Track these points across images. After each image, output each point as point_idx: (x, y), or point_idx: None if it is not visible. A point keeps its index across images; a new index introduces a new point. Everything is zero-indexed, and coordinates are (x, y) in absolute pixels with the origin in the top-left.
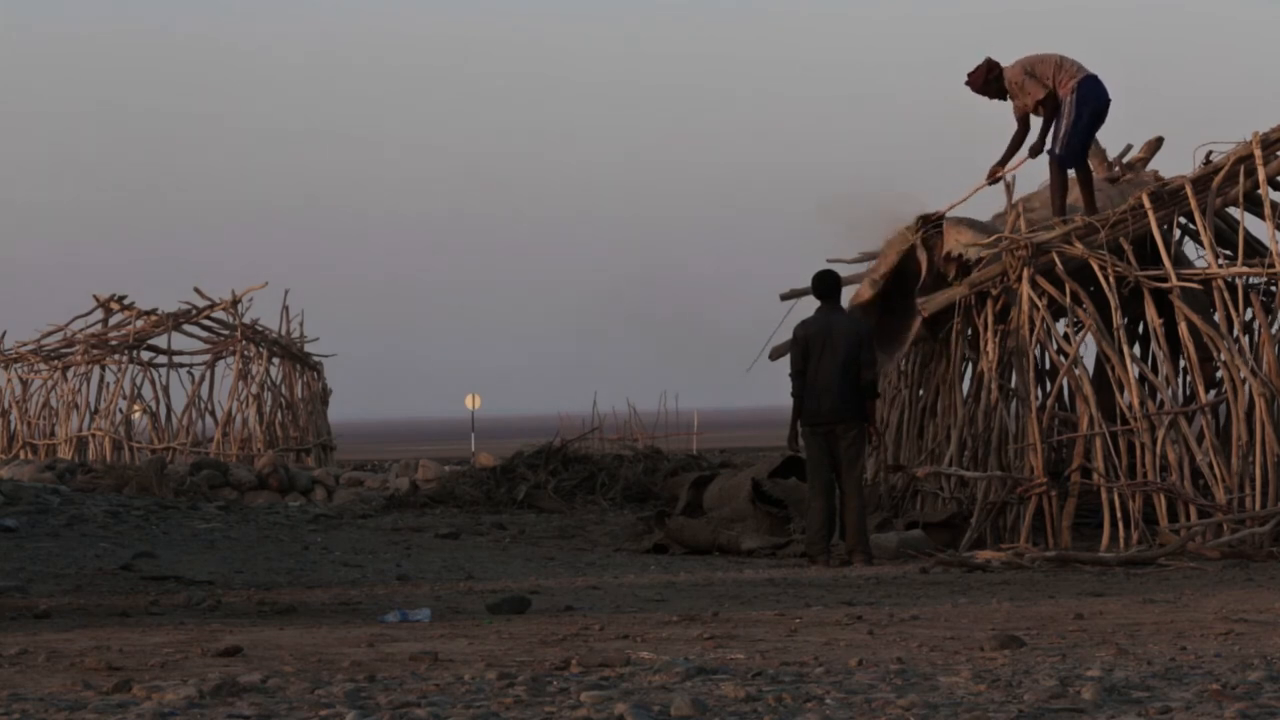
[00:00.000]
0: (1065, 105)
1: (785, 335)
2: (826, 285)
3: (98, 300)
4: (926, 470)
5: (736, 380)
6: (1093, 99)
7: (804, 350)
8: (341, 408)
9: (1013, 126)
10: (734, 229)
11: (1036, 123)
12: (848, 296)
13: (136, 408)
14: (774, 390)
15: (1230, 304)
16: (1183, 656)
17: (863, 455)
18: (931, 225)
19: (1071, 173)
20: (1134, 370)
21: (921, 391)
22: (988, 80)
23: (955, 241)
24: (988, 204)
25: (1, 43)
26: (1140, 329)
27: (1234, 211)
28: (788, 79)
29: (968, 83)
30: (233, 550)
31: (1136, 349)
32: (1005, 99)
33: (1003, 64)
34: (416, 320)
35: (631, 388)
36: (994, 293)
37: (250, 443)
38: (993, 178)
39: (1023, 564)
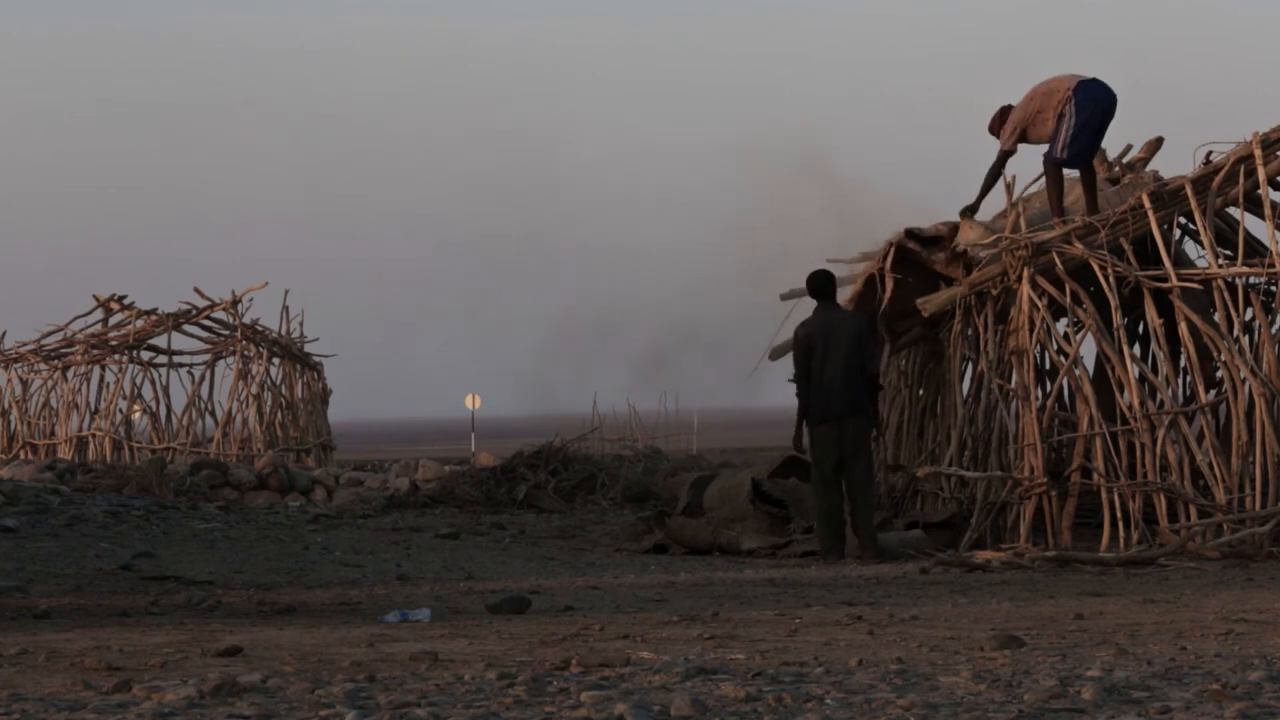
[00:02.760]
0: (1066, 110)
1: (785, 336)
2: (820, 284)
3: (98, 300)
4: (926, 470)
5: (736, 380)
6: (1090, 101)
7: (806, 350)
8: (341, 408)
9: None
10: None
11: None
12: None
13: (136, 408)
14: (774, 390)
15: (1230, 304)
16: (1183, 656)
17: (868, 450)
18: (912, 239)
19: (1073, 173)
20: (1134, 370)
21: (921, 391)
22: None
23: (964, 237)
24: (988, 205)
25: (1, 41)
26: (1140, 329)
27: (1234, 211)
28: (789, 76)
29: (990, 130)
30: (233, 550)
31: (1136, 349)
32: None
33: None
34: (416, 320)
35: (632, 388)
36: (994, 293)
37: (250, 443)
38: (970, 212)
39: (1023, 564)
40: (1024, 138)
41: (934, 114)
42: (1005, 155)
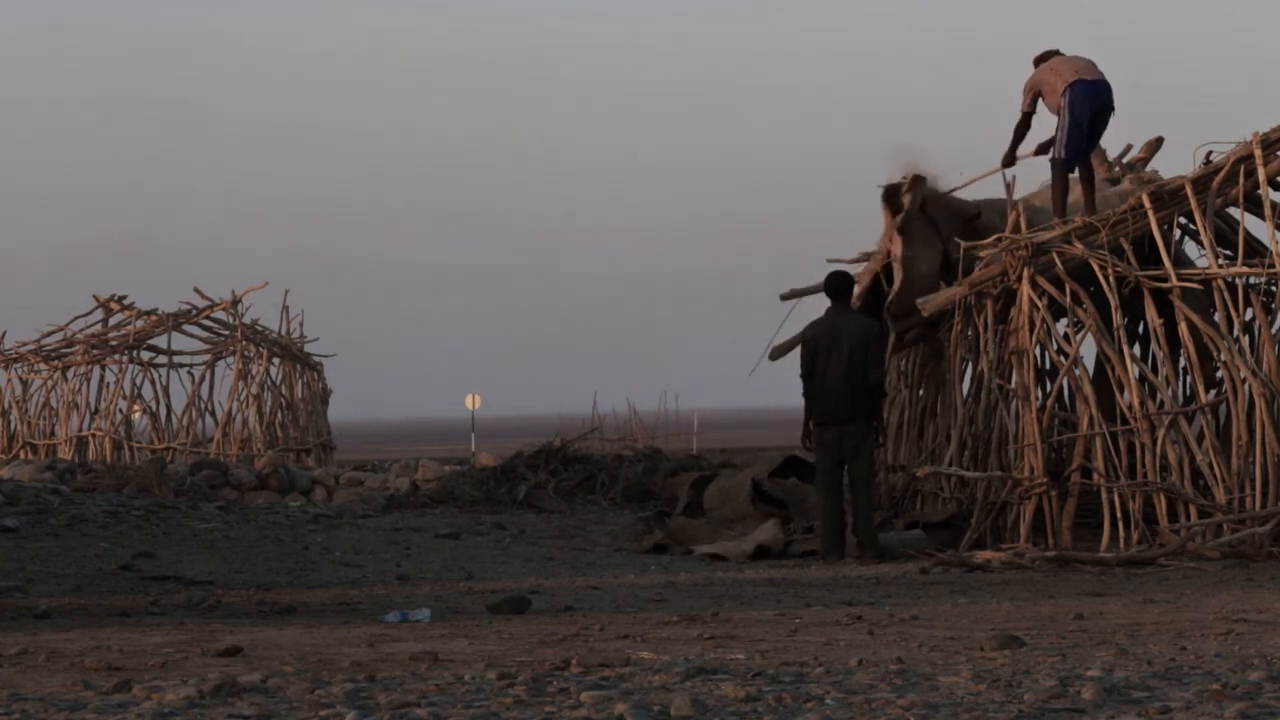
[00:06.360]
0: (1061, 111)
1: (785, 336)
2: (837, 285)
3: (98, 300)
4: (926, 470)
5: (736, 379)
6: (1079, 105)
7: (811, 351)
8: (341, 408)
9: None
10: (738, 227)
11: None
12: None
13: (136, 408)
14: (774, 390)
15: (1230, 304)
16: (1183, 656)
17: (868, 453)
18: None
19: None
20: (1134, 370)
21: (921, 391)
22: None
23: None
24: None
25: (0, 38)
26: (1140, 329)
27: (1234, 211)
28: (794, 76)
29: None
30: (233, 550)
31: (1136, 349)
32: None
33: (1060, 53)
34: (417, 320)
35: (632, 388)
36: (994, 293)
37: (250, 443)
38: (1005, 163)
39: (1023, 564)
40: (1039, 97)
41: (933, 114)
42: (1025, 115)
